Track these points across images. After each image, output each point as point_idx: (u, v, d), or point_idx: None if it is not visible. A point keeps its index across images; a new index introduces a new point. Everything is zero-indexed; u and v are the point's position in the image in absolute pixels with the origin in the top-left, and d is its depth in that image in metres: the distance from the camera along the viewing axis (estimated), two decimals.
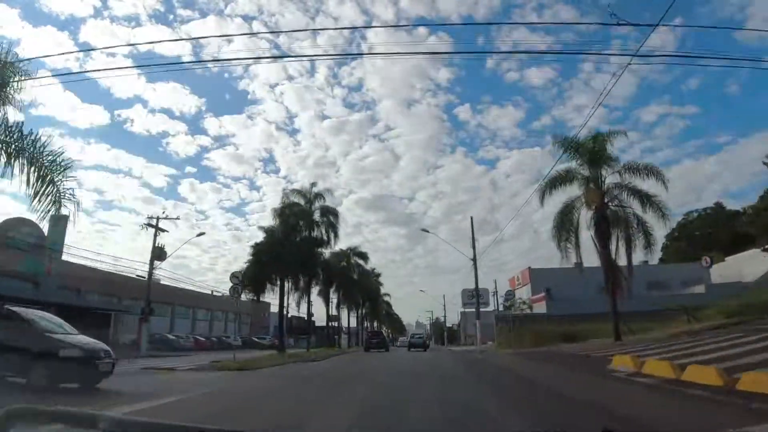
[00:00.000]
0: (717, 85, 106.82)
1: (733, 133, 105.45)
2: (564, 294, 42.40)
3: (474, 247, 32.86)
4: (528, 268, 52.24)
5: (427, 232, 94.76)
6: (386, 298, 73.97)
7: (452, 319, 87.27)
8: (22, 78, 11.38)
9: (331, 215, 35.40)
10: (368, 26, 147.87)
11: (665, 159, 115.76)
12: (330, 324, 50.49)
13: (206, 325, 56.51)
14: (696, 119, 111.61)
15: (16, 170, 10.74)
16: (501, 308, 53.68)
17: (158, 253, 32.23)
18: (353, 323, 66.37)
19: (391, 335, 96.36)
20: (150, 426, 2.01)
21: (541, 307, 45.82)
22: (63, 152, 11.13)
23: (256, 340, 51.62)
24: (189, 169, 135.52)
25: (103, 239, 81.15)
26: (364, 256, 51.41)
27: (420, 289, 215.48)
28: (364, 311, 64.10)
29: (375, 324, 75.64)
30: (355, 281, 48.69)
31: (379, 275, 62.97)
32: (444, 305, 75.83)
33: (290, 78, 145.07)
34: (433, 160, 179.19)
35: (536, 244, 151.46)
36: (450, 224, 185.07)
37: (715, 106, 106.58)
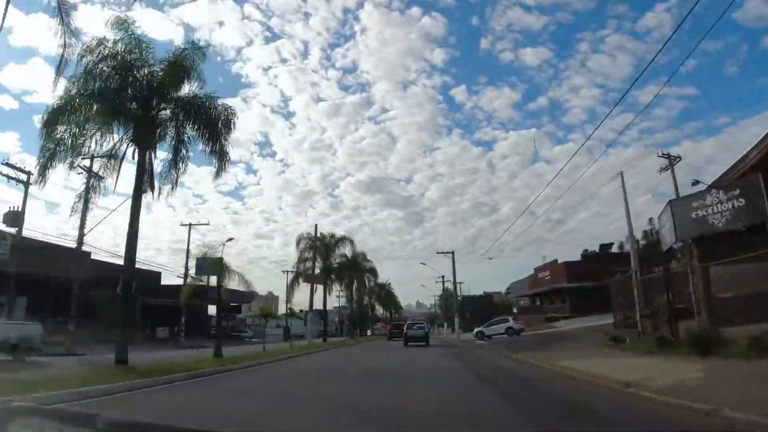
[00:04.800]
0: (716, 65, 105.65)
1: (733, 115, 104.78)
2: None
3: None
4: None
5: (424, 264, 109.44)
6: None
7: (469, 283, 57.67)
8: None
9: None
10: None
11: (665, 141, 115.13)
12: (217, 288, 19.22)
13: None
14: (695, 101, 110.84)
15: None
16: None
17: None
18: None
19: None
20: (145, 427, 2.02)
21: None
22: None
23: None
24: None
25: (103, 226, 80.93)
26: None
27: (421, 264, 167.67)
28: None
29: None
30: None
31: None
32: None
33: (284, 61, 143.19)
34: (429, 142, 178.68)
35: None
36: (448, 207, 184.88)
37: (714, 88, 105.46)
